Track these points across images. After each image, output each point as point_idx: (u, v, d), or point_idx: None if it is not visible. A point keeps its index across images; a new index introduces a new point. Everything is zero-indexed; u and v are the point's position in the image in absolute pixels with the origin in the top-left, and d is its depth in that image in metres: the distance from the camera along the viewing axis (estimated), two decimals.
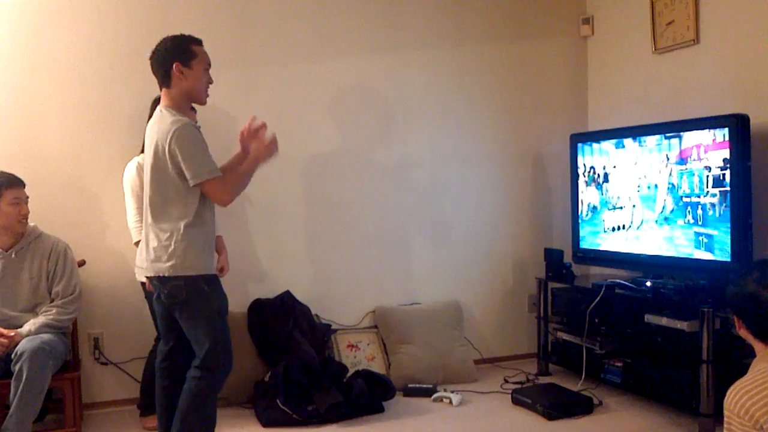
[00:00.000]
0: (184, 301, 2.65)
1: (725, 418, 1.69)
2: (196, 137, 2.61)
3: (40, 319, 3.20)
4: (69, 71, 3.75)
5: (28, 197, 3.29)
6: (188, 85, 2.68)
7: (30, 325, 3.16)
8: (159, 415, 2.89)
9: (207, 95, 2.77)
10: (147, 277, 2.78)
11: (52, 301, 3.30)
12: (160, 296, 2.73)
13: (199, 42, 2.73)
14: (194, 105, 2.93)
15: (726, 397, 1.69)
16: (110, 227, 3.80)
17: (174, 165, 2.58)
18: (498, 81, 4.58)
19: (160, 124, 2.64)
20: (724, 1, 3.71)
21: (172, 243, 2.62)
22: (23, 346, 3.02)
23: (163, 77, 2.68)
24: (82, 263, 3.57)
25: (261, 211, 4.08)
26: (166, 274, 2.63)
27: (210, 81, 2.76)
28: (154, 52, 2.70)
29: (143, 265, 2.75)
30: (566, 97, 4.75)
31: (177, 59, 2.65)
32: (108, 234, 3.81)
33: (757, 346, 1.78)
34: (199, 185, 2.59)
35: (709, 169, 3.41)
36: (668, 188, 3.66)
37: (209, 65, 2.75)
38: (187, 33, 2.73)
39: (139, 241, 3.38)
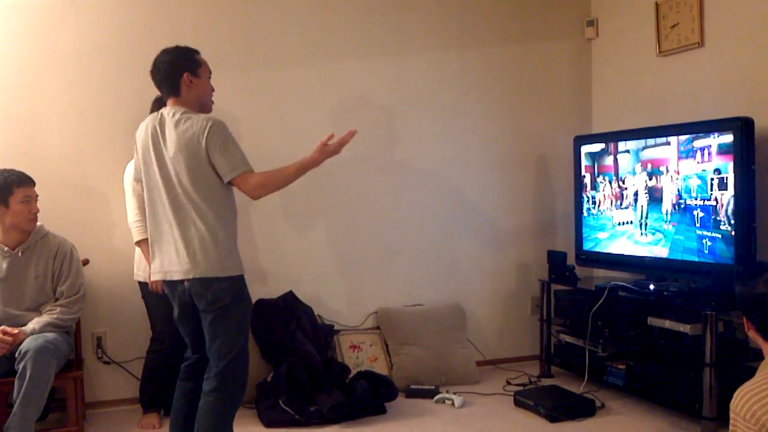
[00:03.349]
0: (227, 305, 2.57)
1: (731, 421, 1.69)
2: (230, 132, 2.59)
3: (45, 318, 3.20)
4: (74, 71, 3.76)
5: (38, 196, 3.30)
6: (197, 93, 2.66)
7: (34, 324, 3.16)
8: (174, 420, 2.76)
9: (212, 102, 2.78)
10: (182, 280, 2.59)
11: (56, 300, 3.31)
12: (192, 302, 2.60)
13: (198, 52, 2.73)
14: None
15: (733, 400, 1.68)
16: (116, 227, 3.81)
17: (210, 163, 2.54)
18: (502, 83, 4.58)
19: (192, 122, 2.56)
20: (728, 5, 3.71)
21: (216, 242, 2.54)
22: (27, 344, 3.03)
23: (172, 88, 2.64)
24: (86, 262, 3.57)
25: (264, 212, 4.08)
26: (218, 275, 2.54)
27: (212, 89, 2.77)
28: (156, 65, 2.65)
29: (173, 268, 2.60)
30: (570, 99, 4.75)
31: (186, 69, 2.63)
32: (113, 233, 3.82)
33: (766, 348, 1.78)
34: (232, 180, 2.56)
35: (713, 171, 3.42)
36: (672, 191, 3.66)
37: (210, 74, 2.76)
38: (188, 38, 2.81)
39: (140, 240, 3.42)
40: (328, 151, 2.72)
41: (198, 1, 3.94)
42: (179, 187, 2.57)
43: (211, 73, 2.75)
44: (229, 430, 2.67)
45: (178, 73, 2.62)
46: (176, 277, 2.60)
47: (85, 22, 3.76)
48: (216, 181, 2.57)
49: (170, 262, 2.61)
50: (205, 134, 2.52)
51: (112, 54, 3.81)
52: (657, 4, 4.11)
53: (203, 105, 2.72)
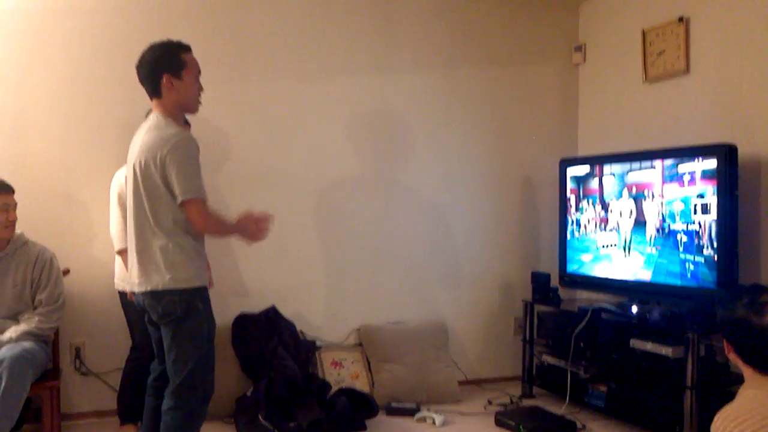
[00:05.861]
0: (179, 318, 2.50)
1: None
2: (195, 154, 2.49)
3: (22, 327, 3.16)
4: (60, 77, 3.74)
5: (16, 204, 3.26)
6: (179, 96, 2.56)
7: (11, 332, 3.12)
8: None
9: (199, 103, 2.66)
10: (139, 293, 2.58)
11: (35, 308, 3.26)
12: (151, 316, 2.58)
13: (188, 49, 2.60)
14: (187, 117, 2.89)
15: (713, 423, 1.68)
16: (97, 237, 3.77)
17: (162, 177, 2.46)
18: (490, 105, 4.61)
19: (160, 132, 2.50)
20: (714, 33, 3.77)
21: (167, 254, 2.48)
22: (3, 353, 2.98)
23: (153, 88, 2.55)
24: (66, 272, 3.54)
25: None
26: (163, 288, 2.48)
27: (200, 89, 2.64)
28: (140, 62, 2.57)
29: (133, 279, 2.58)
30: (557, 123, 4.79)
31: (167, 70, 2.52)
32: (94, 243, 3.78)
33: (746, 371, 1.78)
34: (182, 204, 2.46)
35: (696, 197, 3.45)
36: (656, 215, 3.68)
37: (199, 73, 2.63)
38: (175, 40, 2.60)
39: (121, 250, 3.40)
40: (248, 232, 2.71)
41: (189, 13, 3.94)
42: (140, 198, 2.52)
43: (199, 72, 2.62)
44: None
45: (157, 74, 2.52)
46: (135, 289, 2.57)
47: (73, 30, 3.75)
48: (167, 196, 2.48)
49: (131, 273, 2.59)
50: (167, 149, 2.43)
51: (100, 63, 3.79)
52: (644, 32, 4.16)
53: (186, 108, 2.62)
